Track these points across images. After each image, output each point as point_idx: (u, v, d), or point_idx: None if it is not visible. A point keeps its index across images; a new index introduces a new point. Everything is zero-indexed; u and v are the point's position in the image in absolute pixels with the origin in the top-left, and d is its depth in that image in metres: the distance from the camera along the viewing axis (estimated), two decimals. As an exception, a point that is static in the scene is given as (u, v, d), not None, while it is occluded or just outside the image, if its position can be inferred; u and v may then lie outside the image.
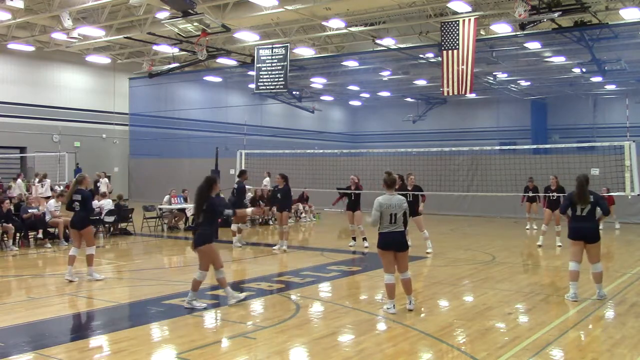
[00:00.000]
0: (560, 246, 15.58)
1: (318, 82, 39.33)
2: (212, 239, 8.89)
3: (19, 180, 25.40)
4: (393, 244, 8.46)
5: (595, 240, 9.26)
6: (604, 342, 7.33)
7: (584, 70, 31.81)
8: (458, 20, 20.88)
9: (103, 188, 23.12)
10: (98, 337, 7.49)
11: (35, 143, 31.30)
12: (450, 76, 20.99)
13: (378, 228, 8.56)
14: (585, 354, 6.83)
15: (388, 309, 8.52)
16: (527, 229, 20.18)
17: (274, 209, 17.78)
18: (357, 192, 15.51)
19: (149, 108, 36.00)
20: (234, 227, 16.22)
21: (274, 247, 15.23)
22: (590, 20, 21.31)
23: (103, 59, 33.51)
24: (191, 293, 8.87)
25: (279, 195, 15.27)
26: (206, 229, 8.87)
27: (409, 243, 8.74)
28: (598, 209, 9.31)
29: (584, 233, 9.26)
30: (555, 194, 15.73)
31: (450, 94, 21.74)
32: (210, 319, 8.61)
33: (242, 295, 9.21)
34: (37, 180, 24.47)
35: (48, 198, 18.48)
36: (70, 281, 10.61)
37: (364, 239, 15.45)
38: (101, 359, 6.73)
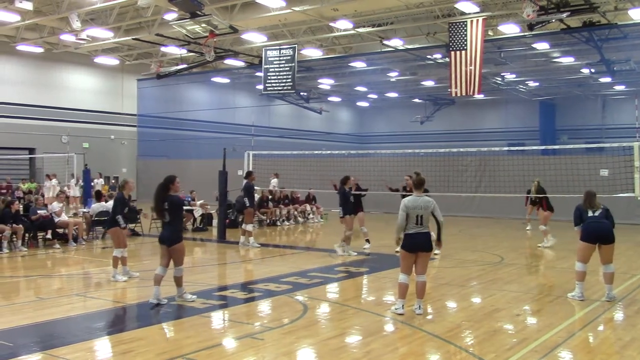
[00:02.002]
0: (540, 247, 15.85)
1: (326, 83, 39.34)
2: (181, 238, 9.17)
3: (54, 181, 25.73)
4: (419, 245, 8.43)
5: (610, 241, 9.22)
6: (613, 344, 7.29)
7: (592, 70, 31.67)
8: (466, 21, 20.82)
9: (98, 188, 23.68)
10: (106, 338, 7.51)
11: (44, 144, 31.45)
12: (458, 77, 20.94)
13: (404, 229, 8.51)
14: (594, 355, 6.79)
15: (396, 309, 8.50)
16: (528, 229, 20.12)
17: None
18: (356, 193, 15.44)
19: (157, 109, 36.10)
20: (249, 227, 16.20)
21: (354, 253, 14.46)
22: (599, 20, 21.21)
23: (111, 60, 33.62)
24: (178, 289, 9.18)
25: (352, 198, 14.75)
26: (176, 227, 9.19)
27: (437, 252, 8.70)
28: None
29: (600, 233, 9.20)
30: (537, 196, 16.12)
31: (458, 94, 21.68)
32: (218, 319, 8.62)
33: (193, 297, 9.27)
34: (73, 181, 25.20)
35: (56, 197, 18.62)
36: (130, 277, 11.12)
37: (367, 240, 15.36)
38: (109, 359, 6.75)
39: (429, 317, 8.53)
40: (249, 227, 16.20)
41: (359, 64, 32.98)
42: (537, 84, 38.81)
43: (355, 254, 14.35)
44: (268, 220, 22.07)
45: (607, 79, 33.85)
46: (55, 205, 16.28)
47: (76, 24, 23.40)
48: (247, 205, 16.18)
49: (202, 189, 22.96)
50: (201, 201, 19.43)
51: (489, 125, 46.04)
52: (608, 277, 9.36)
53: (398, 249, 8.81)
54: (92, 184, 26.93)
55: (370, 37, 26.80)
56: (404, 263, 8.56)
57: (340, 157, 29.35)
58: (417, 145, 33.78)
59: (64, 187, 26.06)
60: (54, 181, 25.61)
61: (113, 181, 32.30)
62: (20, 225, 14.90)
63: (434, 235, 13.10)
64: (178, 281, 9.18)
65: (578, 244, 9.50)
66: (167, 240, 9.08)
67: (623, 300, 9.54)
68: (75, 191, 25.59)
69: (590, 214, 9.29)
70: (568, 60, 30.70)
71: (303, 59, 29.97)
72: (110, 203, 17.71)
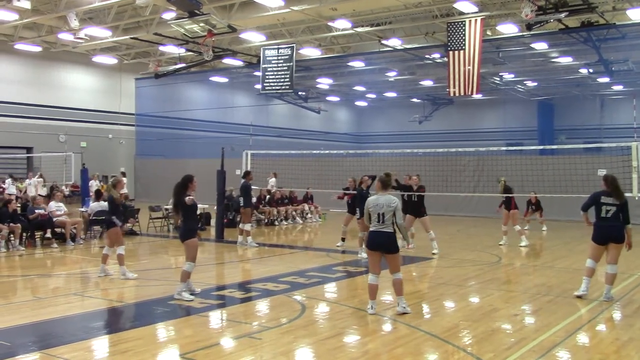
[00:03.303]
0: (522, 246, 15.88)
1: (324, 82, 39.31)
2: (195, 234, 9.47)
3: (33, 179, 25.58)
4: (380, 244, 8.39)
5: (621, 240, 9.23)
6: (611, 343, 7.29)
7: (591, 70, 31.66)
8: (464, 21, 20.83)
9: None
10: (104, 337, 7.50)
11: (41, 143, 31.40)
12: (456, 77, 20.94)
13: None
14: (592, 355, 6.79)
15: (367, 309, 8.52)
16: (544, 230, 20.14)
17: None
18: (353, 192, 15.34)
19: (155, 108, 36.05)
20: (247, 226, 16.16)
21: (359, 254, 14.16)
22: (597, 20, 21.22)
23: (109, 60, 33.59)
24: (181, 285, 9.30)
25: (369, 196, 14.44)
26: (190, 224, 9.46)
27: (401, 244, 8.64)
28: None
29: (611, 234, 9.23)
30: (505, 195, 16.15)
31: (457, 94, 21.67)
32: (216, 319, 8.61)
33: (191, 297, 9.31)
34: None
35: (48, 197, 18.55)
36: (105, 276, 11.14)
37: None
38: (107, 359, 6.74)
39: (427, 316, 8.54)
40: (247, 227, 16.18)
41: (358, 64, 32.96)
42: (535, 83, 38.81)
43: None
44: (266, 220, 22.06)
45: (606, 79, 33.86)
46: (53, 205, 16.25)
47: (74, 23, 23.36)
48: (243, 205, 16.18)
49: (200, 188, 22.88)
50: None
51: (487, 125, 46.06)
52: (610, 277, 9.36)
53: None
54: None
55: (369, 37, 26.80)
56: (369, 261, 8.63)
57: (339, 157, 29.35)
58: (416, 145, 33.78)
59: (62, 186, 26.03)
60: (34, 180, 25.52)
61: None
62: (18, 224, 14.89)
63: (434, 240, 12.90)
64: (182, 276, 9.32)
65: (589, 242, 9.52)
66: (180, 237, 9.53)
67: (621, 300, 9.55)
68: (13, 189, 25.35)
69: (603, 212, 9.25)
70: (566, 60, 30.71)
71: (301, 58, 29.94)
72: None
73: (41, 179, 25.81)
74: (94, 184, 25.21)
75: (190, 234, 9.38)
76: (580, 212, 9.68)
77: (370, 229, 8.48)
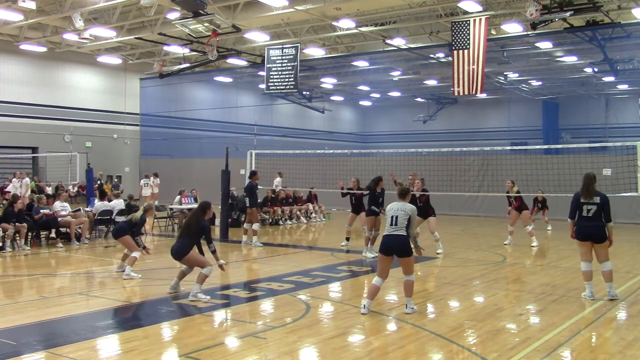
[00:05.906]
0: (534, 246, 15.96)
1: (328, 82, 39.30)
2: (189, 250, 9.52)
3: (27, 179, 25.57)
4: (392, 248, 8.39)
5: (602, 240, 9.26)
6: (616, 343, 7.28)
7: (596, 70, 31.61)
8: (469, 20, 20.81)
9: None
10: (109, 337, 7.51)
11: (46, 143, 31.50)
12: (461, 76, 20.92)
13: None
14: (597, 355, 6.79)
15: (360, 308, 8.54)
16: (549, 229, 20.13)
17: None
18: (358, 192, 15.38)
19: (160, 108, 36.12)
20: (255, 226, 16.14)
21: (363, 253, 14.25)
22: (602, 19, 21.17)
23: (114, 60, 33.66)
24: (196, 285, 9.30)
25: (381, 199, 14.01)
26: (184, 242, 9.56)
27: (419, 244, 8.67)
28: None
29: (591, 233, 9.28)
30: (513, 197, 16.35)
31: (461, 93, 21.65)
32: (221, 318, 8.63)
33: (207, 297, 9.31)
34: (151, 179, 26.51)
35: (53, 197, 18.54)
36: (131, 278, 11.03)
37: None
38: (112, 358, 6.76)
39: (432, 316, 8.54)
40: (255, 226, 16.14)
41: (362, 63, 32.93)
42: (540, 83, 38.71)
43: (372, 255, 13.77)
44: (271, 220, 22.07)
45: (611, 78, 33.78)
46: (58, 205, 16.29)
47: (79, 23, 23.42)
48: (247, 205, 16.20)
49: (205, 188, 22.98)
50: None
51: (492, 124, 45.98)
52: (606, 275, 9.39)
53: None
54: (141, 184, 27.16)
55: (373, 36, 26.79)
56: (379, 266, 8.61)
57: (343, 157, 29.37)
58: (420, 145, 33.80)
59: (68, 186, 26.12)
60: (26, 180, 25.53)
61: (116, 180, 32.36)
62: (24, 224, 14.93)
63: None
64: (198, 277, 9.34)
65: (576, 241, 9.56)
66: (174, 254, 9.58)
67: (626, 300, 9.54)
68: None
69: (584, 212, 9.30)
70: (571, 59, 30.64)
71: (305, 58, 29.96)
72: (114, 202, 17.83)
73: (27, 179, 25.79)
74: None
75: (182, 253, 9.43)
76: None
77: (384, 234, 8.51)
